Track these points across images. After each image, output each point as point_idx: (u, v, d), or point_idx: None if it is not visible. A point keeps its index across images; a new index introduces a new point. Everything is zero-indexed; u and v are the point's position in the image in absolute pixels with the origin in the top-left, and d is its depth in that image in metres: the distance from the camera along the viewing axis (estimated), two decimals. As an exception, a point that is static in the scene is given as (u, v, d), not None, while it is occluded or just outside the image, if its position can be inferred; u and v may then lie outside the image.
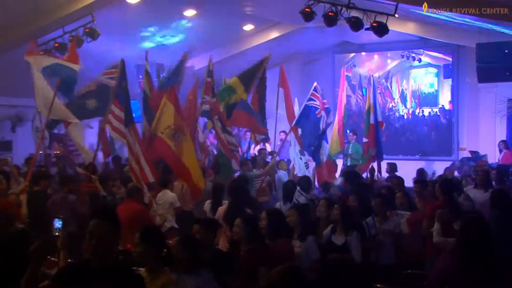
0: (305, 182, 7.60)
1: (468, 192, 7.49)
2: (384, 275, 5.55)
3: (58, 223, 4.73)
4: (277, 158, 11.10)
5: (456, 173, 11.32)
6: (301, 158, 9.82)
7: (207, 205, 7.18)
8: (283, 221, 5.32)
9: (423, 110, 14.60)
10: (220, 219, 6.22)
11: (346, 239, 5.43)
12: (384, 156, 10.78)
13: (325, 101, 10.03)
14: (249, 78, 10.21)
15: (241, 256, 4.71)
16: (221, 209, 6.45)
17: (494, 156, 12.13)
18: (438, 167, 12.30)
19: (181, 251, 3.91)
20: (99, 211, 3.26)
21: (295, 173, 9.79)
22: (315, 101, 9.87)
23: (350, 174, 8.43)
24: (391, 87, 14.91)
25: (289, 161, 11.10)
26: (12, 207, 6.34)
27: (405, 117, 14.82)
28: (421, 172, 10.15)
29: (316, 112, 9.77)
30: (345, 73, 11.69)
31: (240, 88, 10.08)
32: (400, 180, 8.32)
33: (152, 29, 12.00)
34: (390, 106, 14.89)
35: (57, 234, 4.66)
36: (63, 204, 6.80)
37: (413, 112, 14.70)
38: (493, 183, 8.11)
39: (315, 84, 10.10)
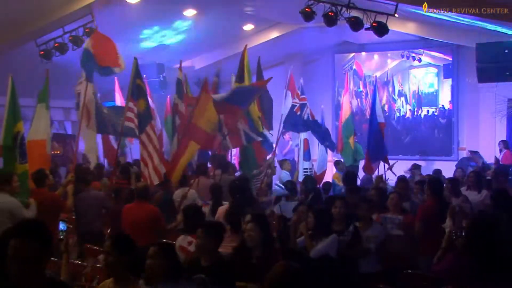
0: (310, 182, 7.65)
1: (467, 193, 7.47)
2: (365, 284, 5.31)
3: (62, 226, 4.72)
4: (281, 158, 11.16)
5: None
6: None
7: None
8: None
9: (423, 110, 14.60)
10: (220, 220, 6.21)
11: (324, 243, 5.14)
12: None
13: (303, 96, 9.95)
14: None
15: (254, 265, 4.49)
16: (221, 210, 6.39)
17: (494, 156, 12.13)
18: (438, 167, 12.30)
19: (161, 259, 3.69)
20: (21, 228, 2.66)
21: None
22: (295, 99, 9.95)
23: (348, 175, 8.39)
24: (391, 87, 14.90)
25: (293, 162, 11.15)
26: (59, 199, 6.62)
27: (405, 117, 14.81)
28: (436, 173, 10.09)
29: (295, 109, 9.80)
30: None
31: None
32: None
33: (152, 29, 12.00)
34: (390, 106, 14.90)
35: (61, 237, 4.65)
36: (91, 201, 6.91)
37: (413, 112, 14.70)
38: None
39: (300, 80, 10.17)
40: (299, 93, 9.86)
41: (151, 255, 3.72)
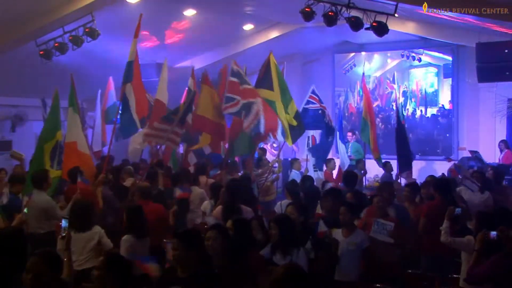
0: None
1: (463, 193, 7.45)
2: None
3: (64, 223, 4.67)
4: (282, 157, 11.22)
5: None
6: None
7: (207, 205, 7.15)
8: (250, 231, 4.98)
9: (423, 110, 14.60)
10: (217, 218, 6.22)
11: (291, 259, 4.69)
12: (384, 155, 10.82)
13: (323, 105, 10.34)
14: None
15: (216, 275, 4.18)
16: (219, 209, 6.40)
17: (494, 156, 12.14)
18: (439, 167, 12.32)
19: (108, 271, 3.55)
20: None
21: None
22: (314, 103, 10.14)
23: (348, 175, 8.30)
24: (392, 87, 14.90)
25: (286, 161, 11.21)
26: (93, 196, 6.86)
27: (405, 116, 14.79)
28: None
29: (320, 112, 10.14)
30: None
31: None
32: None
33: (152, 29, 11.97)
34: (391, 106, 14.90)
35: (63, 234, 4.62)
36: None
37: (413, 111, 14.69)
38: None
39: (313, 86, 10.23)
40: (317, 98, 10.31)
41: (99, 266, 3.60)
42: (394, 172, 10.29)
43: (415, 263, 6.01)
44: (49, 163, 7.24)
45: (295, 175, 10.24)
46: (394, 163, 10.50)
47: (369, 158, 11.04)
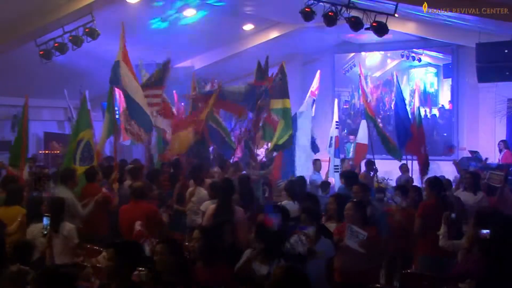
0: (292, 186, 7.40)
1: (458, 195, 7.44)
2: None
3: (46, 220, 4.58)
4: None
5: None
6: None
7: (207, 205, 7.12)
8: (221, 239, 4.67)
9: (423, 110, 14.58)
10: (208, 218, 6.21)
11: (269, 270, 4.28)
12: (384, 155, 10.81)
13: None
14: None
15: None
16: (211, 208, 6.38)
17: (494, 156, 12.14)
18: (438, 167, 12.30)
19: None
20: None
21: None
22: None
23: (349, 176, 8.24)
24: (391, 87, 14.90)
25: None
26: (109, 194, 7.09)
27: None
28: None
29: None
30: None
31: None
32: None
33: (151, 28, 11.98)
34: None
35: (45, 232, 4.56)
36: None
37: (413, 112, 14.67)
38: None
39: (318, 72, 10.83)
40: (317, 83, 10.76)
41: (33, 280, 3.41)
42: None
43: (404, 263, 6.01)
44: (71, 160, 7.53)
45: (315, 176, 10.19)
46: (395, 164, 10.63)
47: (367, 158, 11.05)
